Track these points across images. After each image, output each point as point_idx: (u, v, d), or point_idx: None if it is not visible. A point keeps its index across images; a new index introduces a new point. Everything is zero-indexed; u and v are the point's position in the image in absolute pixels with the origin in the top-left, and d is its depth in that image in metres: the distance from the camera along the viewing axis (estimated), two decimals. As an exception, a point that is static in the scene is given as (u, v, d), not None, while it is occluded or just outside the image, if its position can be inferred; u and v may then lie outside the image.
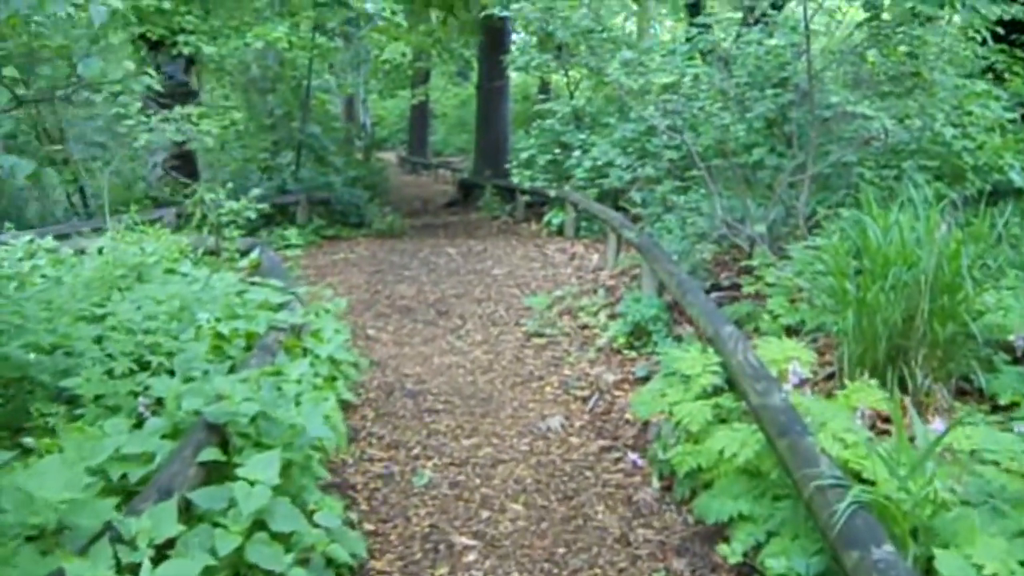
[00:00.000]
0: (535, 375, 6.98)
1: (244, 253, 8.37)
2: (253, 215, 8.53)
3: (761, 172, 8.89)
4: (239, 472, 3.39)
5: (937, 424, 4.02)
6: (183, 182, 13.83)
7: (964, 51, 8.36)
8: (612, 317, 8.19)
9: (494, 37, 18.68)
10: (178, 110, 8.55)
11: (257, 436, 3.83)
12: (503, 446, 5.58)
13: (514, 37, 20.26)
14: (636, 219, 10.20)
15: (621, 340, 7.32)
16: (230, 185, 8.89)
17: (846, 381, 4.96)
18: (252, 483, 3.34)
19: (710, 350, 5.14)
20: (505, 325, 8.41)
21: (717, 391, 5.00)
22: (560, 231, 13.29)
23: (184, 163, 14.53)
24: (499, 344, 7.83)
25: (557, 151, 13.95)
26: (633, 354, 7.17)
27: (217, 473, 3.57)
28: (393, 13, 13.72)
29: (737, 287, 8.76)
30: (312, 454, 4.23)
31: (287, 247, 9.13)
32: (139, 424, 4.14)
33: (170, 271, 7.29)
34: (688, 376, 5.05)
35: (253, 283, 6.64)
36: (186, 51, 11.15)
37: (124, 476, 3.50)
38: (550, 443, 5.62)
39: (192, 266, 7.73)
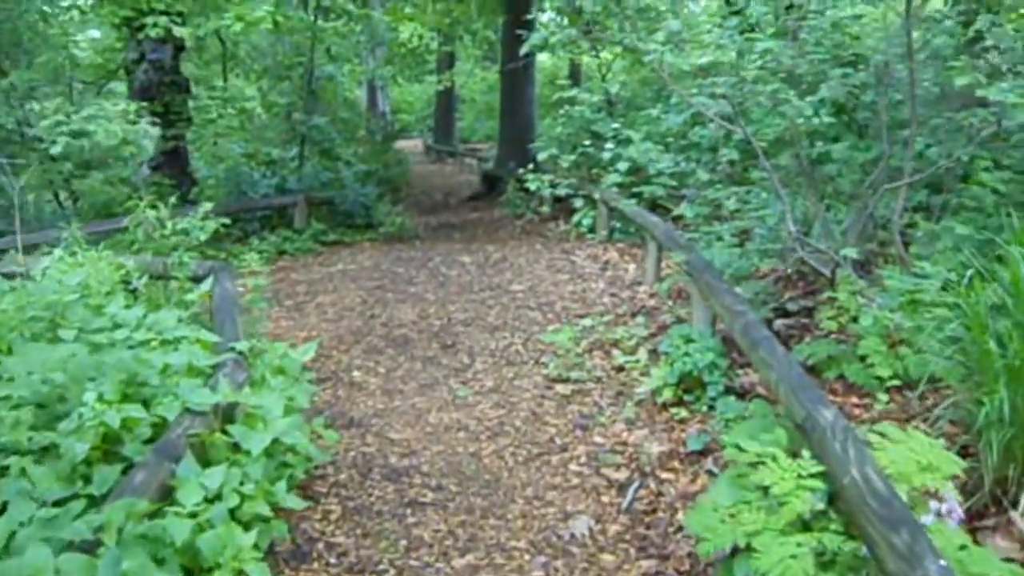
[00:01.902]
0: (556, 443, 5.40)
1: (200, 279, 6.85)
2: (202, 236, 6.99)
3: (831, 170, 7.24)
4: None
5: None
6: (169, 183, 12.41)
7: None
8: (654, 354, 6.61)
9: (518, 16, 17.00)
10: (108, 107, 7.02)
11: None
12: (509, 569, 4.02)
13: (542, 17, 18.65)
14: (678, 219, 8.59)
15: (667, 393, 5.72)
16: (173, 200, 7.36)
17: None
18: None
19: (805, 454, 3.54)
20: (522, 365, 6.84)
21: (817, 516, 3.42)
22: (591, 231, 11.69)
23: (172, 161, 13.07)
24: (513, 393, 6.26)
25: (587, 142, 12.35)
26: (682, 412, 5.57)
27: None
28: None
29: (808, 312, 7.15)
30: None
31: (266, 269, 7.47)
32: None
33: (98, 309, 5.79)
34: (773, 492, 3.46)
35: (191, 333, 5.11)
36: (153, 33, 9.65)
37: None
38: (573, 564, 4.05)
39: (127, 301, 6.23)
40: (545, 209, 13.94)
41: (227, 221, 11.83)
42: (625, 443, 5.33)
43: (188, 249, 7.22)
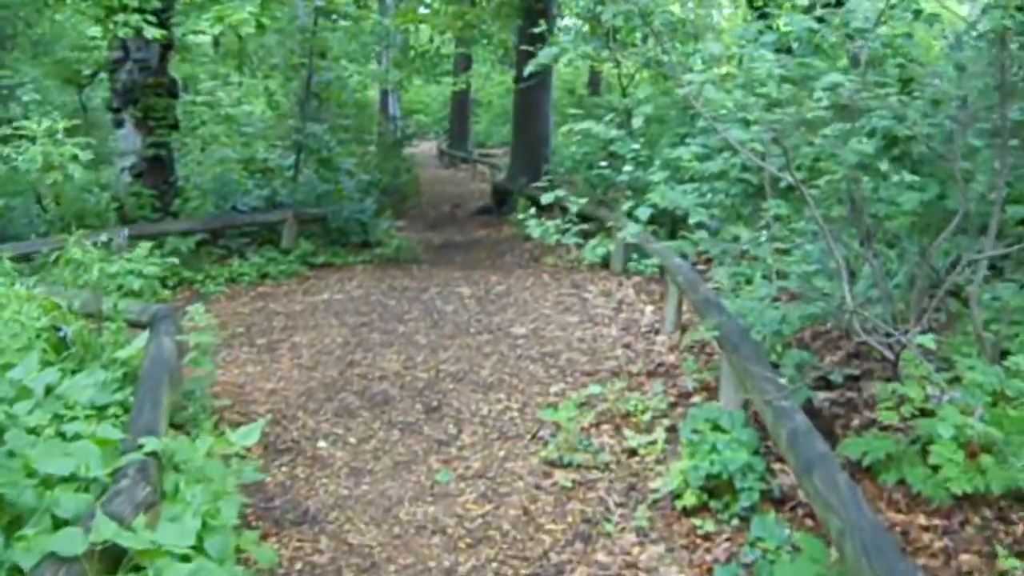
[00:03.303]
0: (551, 560, 4.36)
1: (145, 324, 5.84)
2: (137, 284, 5.96)
3: (878, 209, 6.18)
4: None
5: None
6: (149, 193, 11.45)
7: None
8: (673, 434, 5.58)
9: (535, 22, 15.99)
10: (31, 126, 5.98)
11: None
12: None
13: (561, 23, 17.61)
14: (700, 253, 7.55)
15: (689, 498, 4.67)
16: (104, 237, 6.36)
17: None
18: None
19: None
20: (517, 439, 5.80)
21: None
22: (605, 263, 10.63)
23: (155, 169, 12.08)
24: (504, 479, 5.22)
25: (604, 163, 11.31)
26: (708, 525, 4.52)
27: None
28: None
29: (855, 381, 6.11)
30: None
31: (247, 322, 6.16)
32: None
33: (3, 371, 4.79)
34: None
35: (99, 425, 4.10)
36: (122, 33, 8.67)
37: None
38: None
39: (50, 356, 5.24)
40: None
41: (201, 238, 10.96)
42: (636, 565, 4.28)
43: (144, 276, 6.23)
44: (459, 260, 12.18)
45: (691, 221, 5.26)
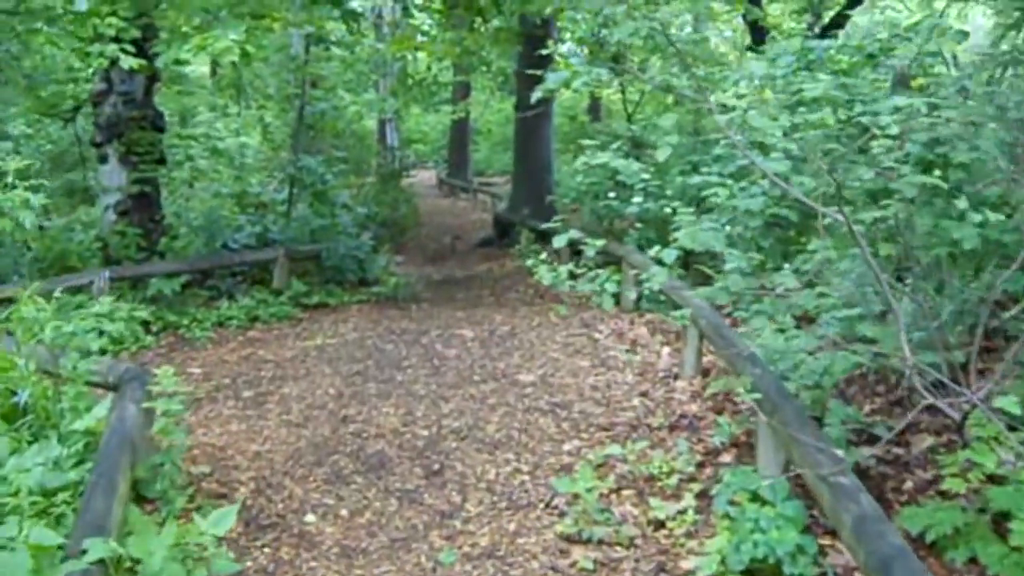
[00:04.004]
0: (573, 667, 3.74)
1: (113, 387, 5.22)
2: (96, 344, 5.35)
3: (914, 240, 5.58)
4: None
5: None
6: (135, 232, 10.89)
7: None
8: (703, 501, 4.97)
9: (535, 48, 15.49)
10: None
11: None
12: None
13: (561, 48, 17.09)
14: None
15: (730, 585, 4.06)
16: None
17: None
18: None
19: None
20: (528, 508, 5.17)
21: None
22: (615, 300, 9.99)
23: (141, 206, 11.51)
24: (515, 560, 4.59)
25: (612, 194, 10.75)
26: (753, 617, 3.91)
27: None
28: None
29: (900, 435, 5.50)
30: None
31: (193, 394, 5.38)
32: None
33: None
34: None
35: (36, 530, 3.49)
36: (95, 64, 8.12)
37: None
38: None
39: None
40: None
41: (188, 279, 10.36)
42: (673, 673, 3.66)
43: (106, 334, 5.63)
44: (460, 298, 11.57)
45: (728, 266, 4.66)
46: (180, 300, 10.14)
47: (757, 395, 4.52)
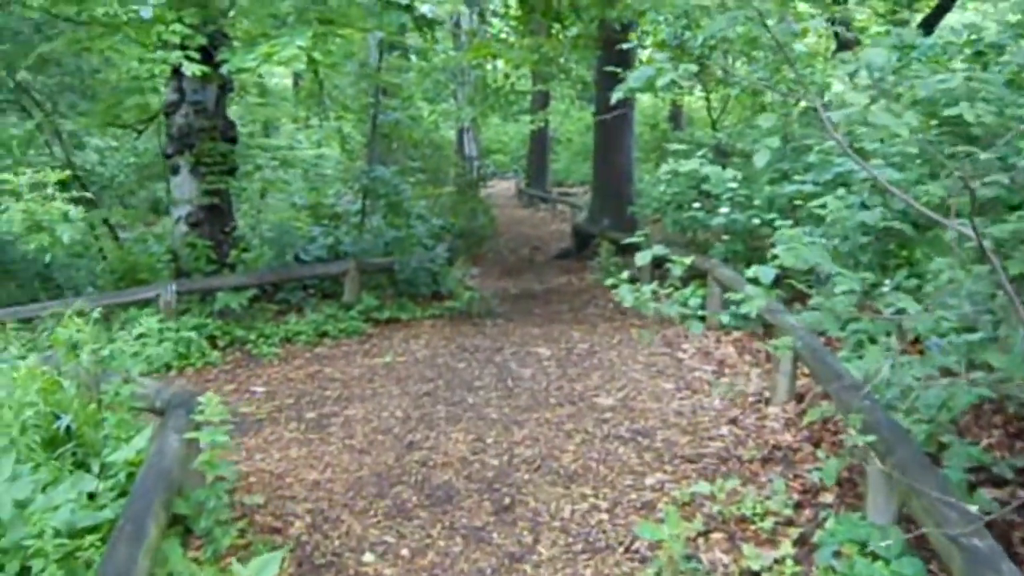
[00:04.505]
0: None
1: (160, 412, 4.88)
2: (136, 368, 5.01)
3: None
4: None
5: None
6: (205, 244, 10.69)
7: None
8: (803, 549, 4.41)
9: (615, 53, 14.98)
10: (11, 179, 5.11)
11: None
12: None
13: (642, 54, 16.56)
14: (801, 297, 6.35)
15: (841, 656, 3.51)
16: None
17: None
18: None
19: None
20: (607, 552, 4.67)
21: None
22: (700, 315, 9.42)
23: (212, 217, 11.31)
24: (591, 616, 4.11)
25: (696, 204, 10.18)
26: None
27: None
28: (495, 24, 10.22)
29: (1019, 474, 4.87)
30: None
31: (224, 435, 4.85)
32: None
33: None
34: None
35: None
36: (158, 71, 7.87)
37: None
38: None
39: (34, 453, 4.32)
40: (643, 278, 11.83)
41: (252, 295, 10.07)
42: None
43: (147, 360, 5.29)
44: (537, 313, 11.10)
45: (838, 289, 4.11)
46: (249, 314, 9.89)
47: (871, 437, 3.94)
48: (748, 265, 10.20)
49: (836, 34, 14.46)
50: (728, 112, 16.42)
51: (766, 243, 10.21)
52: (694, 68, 3.60)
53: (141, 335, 8.54)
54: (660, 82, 3.69)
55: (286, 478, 5.78)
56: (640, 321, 9.86)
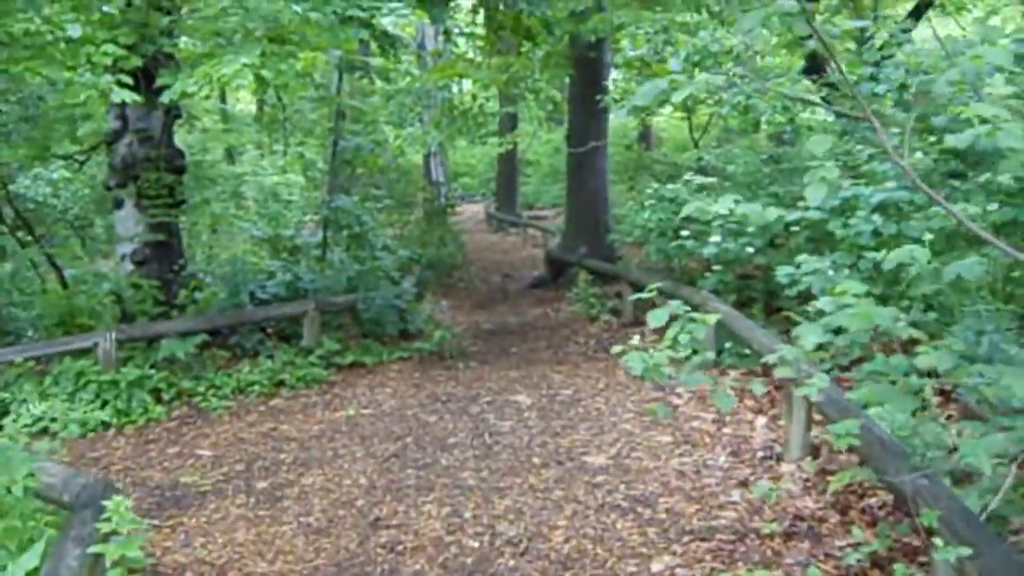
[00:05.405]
0: None
1: (69, 507, 4.01)
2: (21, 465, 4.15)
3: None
4: None
5: None
6: (152, 284, 9.81)
7: None
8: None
9: (588, 73, 14.30)
10: None
11: None
12: None
13: (613, 74, 15.89)
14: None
15: None
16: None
17: None
18: None
19: None
20: (614, 669, 3.86)
21: None
22: (694, 351, 8.64)
23: (159, 254, 10.43)
24: None
25: (685, 232, 9.44)
26: None
27: None
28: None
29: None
30: None
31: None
32: None
33: None
34: None
35: None
36: (83, 97, 7.01)
37: None
38: None
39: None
40: (626, 311, 11.09)
41: (201, 341, 9.17)
42: None
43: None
44: (514, 352, 10.27)
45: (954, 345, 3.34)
46: (198, 362, 9.01)
47: (965, 551, 3.14)
48: (738, 296, 9.41)
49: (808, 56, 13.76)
50: (708, 131, 15.79)
51: (756, 273, 9.50)
52: (719, 80, 2.84)
53: (75, 391, 7.69)
54: (675, 97, 2.93)
55: (229, 572, 4.92)
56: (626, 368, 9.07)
